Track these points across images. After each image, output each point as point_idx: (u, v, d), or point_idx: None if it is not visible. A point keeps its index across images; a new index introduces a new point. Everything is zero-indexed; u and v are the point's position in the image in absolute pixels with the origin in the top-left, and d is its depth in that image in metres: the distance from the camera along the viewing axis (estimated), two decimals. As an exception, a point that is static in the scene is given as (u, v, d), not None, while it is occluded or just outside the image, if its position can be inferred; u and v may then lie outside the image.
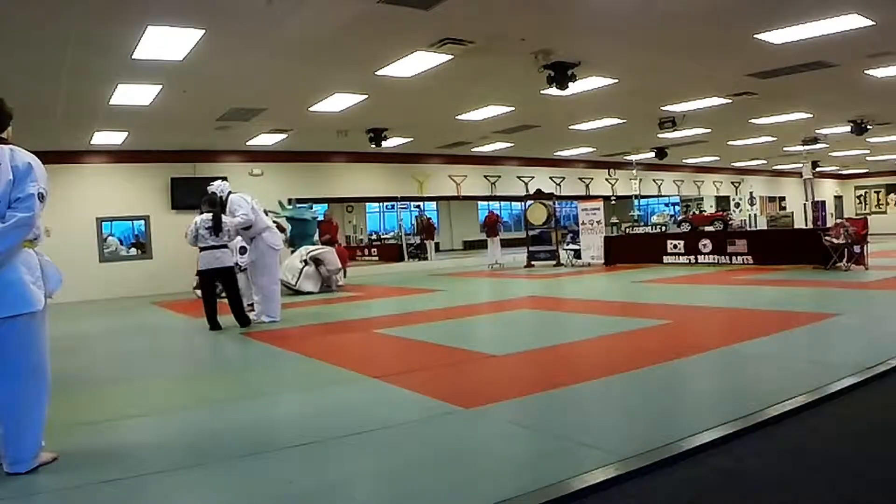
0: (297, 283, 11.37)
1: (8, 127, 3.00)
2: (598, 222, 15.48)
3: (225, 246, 7.27)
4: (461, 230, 28.79)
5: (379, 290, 12.03)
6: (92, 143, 12.26)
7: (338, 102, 10.51)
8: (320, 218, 13.77)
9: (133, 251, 13.93)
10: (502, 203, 27.01)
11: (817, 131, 16.53)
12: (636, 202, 19.32)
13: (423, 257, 19.38)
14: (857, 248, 10.69)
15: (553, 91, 9.28)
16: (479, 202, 25.43)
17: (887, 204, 29.76)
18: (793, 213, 14.50)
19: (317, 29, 6.92)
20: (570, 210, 22.71)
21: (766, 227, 14.99)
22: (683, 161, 22.45)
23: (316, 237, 12.91)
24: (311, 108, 10.81)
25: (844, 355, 4.56)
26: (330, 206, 18.12)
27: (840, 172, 29.23)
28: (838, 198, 30.27)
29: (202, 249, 7.21)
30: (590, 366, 4.69)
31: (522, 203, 17.49)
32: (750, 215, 22.93)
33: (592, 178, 21.46)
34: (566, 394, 3.82)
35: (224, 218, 7.30)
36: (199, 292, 11.52)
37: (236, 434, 3.36)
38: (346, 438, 3.14)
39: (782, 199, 27.49)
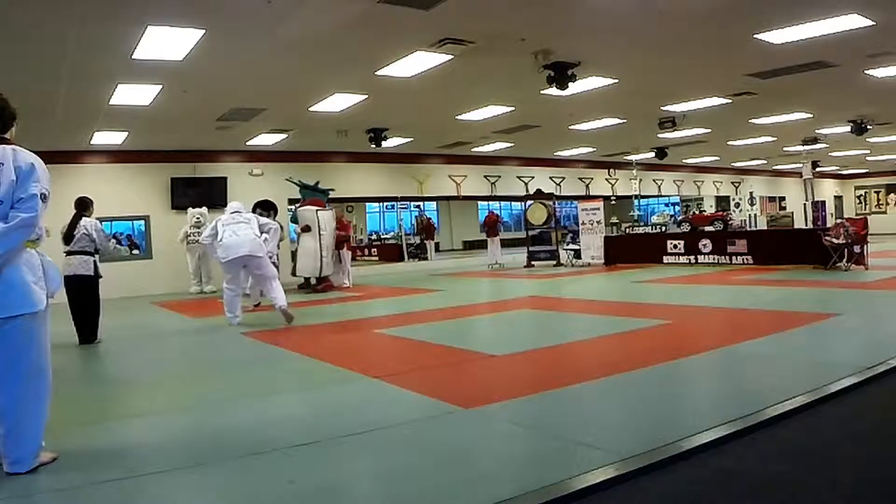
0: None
1: (12, 127, 3.00)
2: (598, 222, 15.48)
3: (85, 253, 6.73)
4: (461, 230, 28.78)
5: (379, 290, 12.02)
6: (92, 143, 12.26)
7: (338, 102, 10.51)
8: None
9: (125, 251, 13.87)
10: (502, 203, 27.01)
11: (817, 131, 16.53)
12: (636, 202, 19.32)
13: (423, 257, 19.38)
14: (857, 248, 10.69)
15: (553, 91, 9.28)
16: (479, 202, 25.43)
17: (887, 204, 29.75)
18: (793, 213, 14.51)
19: (317, 29, 6.91)
20: (570, 210, 22.71)
21: (766, 227, 14.99)
22: (683, 161, 22.45)
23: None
24: (311, 108, 10.81)
25: (844, 355, 4.56)
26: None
27: (840, 172, 29.23)
28: (838, 198, 30.27)
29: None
30: (590, 366, 4.69)
31: (522, 203, 17.49)
32: (750, 215, 22.94)
33: (592, 178, 21.46)
34: (566, 394, 3.82)
35: (86, 222, 6.81)
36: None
37: (236, 434, 3.36)
38: (346, 438, 3.14)
39: (782, 199, 27.49)
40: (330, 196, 13.79)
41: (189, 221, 12.94)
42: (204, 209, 12.97)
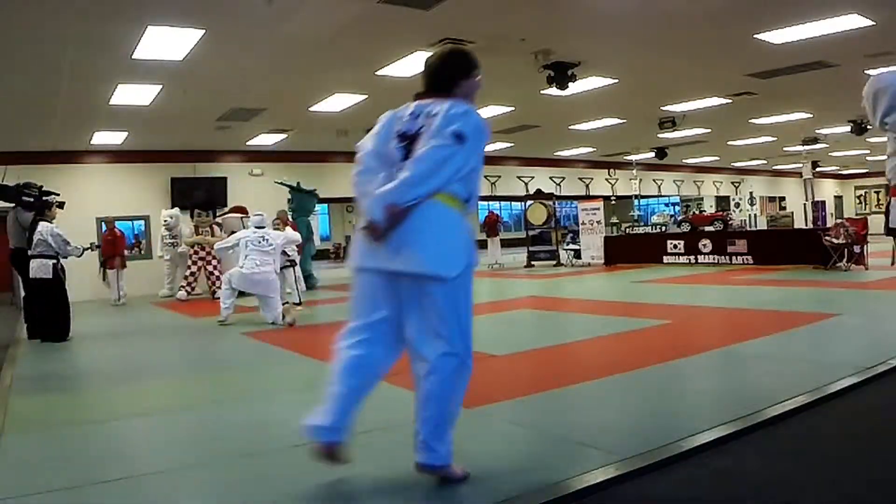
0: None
1: (454, 88, 2.54)
2: (598, 222, 15.48)
3: (45, 256, 6.83)
4: (461, 230, 28.72)
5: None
6: (92, 143, 12.26)
7: (338, 102, 10.52)
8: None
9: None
10: (502, 203, 27.03)
11: (817, 131, 16.52)
12: (636, 202, 19.31)
13: (423, 257, 19.33)
14: (857, 248, 10.69)
15: (553, 91, 9.28)
16: (479, 202, 25.41)
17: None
18: (793, 213, 14.49)
19: (317, 29, 6.92)
20: (570, 210, 22.72)
21: (766, 227, 14.99)
22: (683, 161, 22.44)
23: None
24: (311, 108, 10.81)
25: (844, 355, 4.56)
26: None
27: (840, 172, 29.22)
28: (838, 198, 30.26)
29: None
30: (590, 366, 4.69)
31: (522, 203, 17.48)
32: (750, 215, 22.92)
33: (592, 178, 21.46)
34: (566, 394, 3.82)
35: (40, 227, 6.87)
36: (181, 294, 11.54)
37: (236, 434, 3.36)
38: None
39: (782, 199, 27.49)
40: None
41: (161, 223, 12.57)
42: (175, 210, 12.68)
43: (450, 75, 2.55)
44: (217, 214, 12.49)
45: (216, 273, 11.48)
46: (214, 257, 11.52)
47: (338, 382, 2.51)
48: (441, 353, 2.40)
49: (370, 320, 2.49)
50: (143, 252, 13.88)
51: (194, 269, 11.63)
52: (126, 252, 12.14)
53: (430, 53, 2.74)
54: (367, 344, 2.50)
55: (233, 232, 10.85)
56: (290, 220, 11.56)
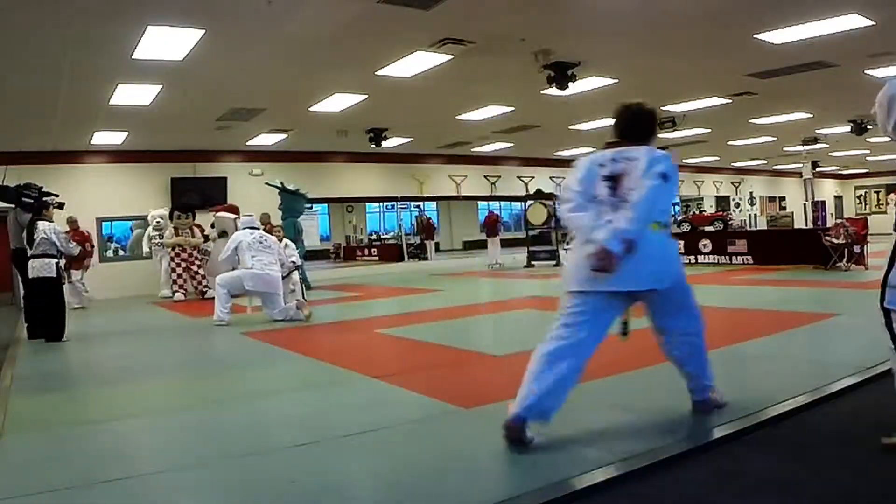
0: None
1: (653, 136, 3.20)
2: (599, 222, 15.44)
3: (47, 256, 6.84)
4: (461, 230, 28.77)
5: (379, 290, 12.02)
6: (92, 143, 12.26)
7: (338, 102, 10.52)
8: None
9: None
10: (502, 203, 27.00)
11: (817, 131, 16.52)
12: (636, 202, 19.27)
13: (423, 257, 19.38)
14: (857, 248, 10.69)
15: (553, 91, 9.28)
16: (479, 202, 25.42)
17: (887, 204, 29.72)
18: (793, 213, 14.49)
19: (317, 29, 6.92)
20: (570, 210, 22.66)
21: (766, 227, 14.99)
22: (683, 161, 22.42)
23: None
24: (311, 108, 10.81)
25: (844, 355, 4.56)
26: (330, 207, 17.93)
27: (840, 172, 29.21)
28: (838, 198, 30.25)
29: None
30: (589, 366, 4.67)
31: (522, 203, 17.49)
32: (750, 215, 22.92)
33: (592, 178, 21.42)
34: (566, 394, 3.81)
35: (42, 226, 6.89)
36: (178, 296, 11.53)
37: (236, 434, 3.36)
38: (346, 438, 3.14)
39: (782, 199, 27.48)
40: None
41: (150, 223, 12.46)
42: (162, 210, 12.56)
43: (650, 128, 3.23)
44: (197, 214, 12.37)
45: (200, 272, 11.56)
46: (197, 258, 11.59)
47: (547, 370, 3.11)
48: (693, 320, 3.18)
49: (586, 327, 3.20)
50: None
51: (179, 270, 11.68)
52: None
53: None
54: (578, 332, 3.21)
55: (223, 232, 10.89)
56: (280, 221, 11.64)
